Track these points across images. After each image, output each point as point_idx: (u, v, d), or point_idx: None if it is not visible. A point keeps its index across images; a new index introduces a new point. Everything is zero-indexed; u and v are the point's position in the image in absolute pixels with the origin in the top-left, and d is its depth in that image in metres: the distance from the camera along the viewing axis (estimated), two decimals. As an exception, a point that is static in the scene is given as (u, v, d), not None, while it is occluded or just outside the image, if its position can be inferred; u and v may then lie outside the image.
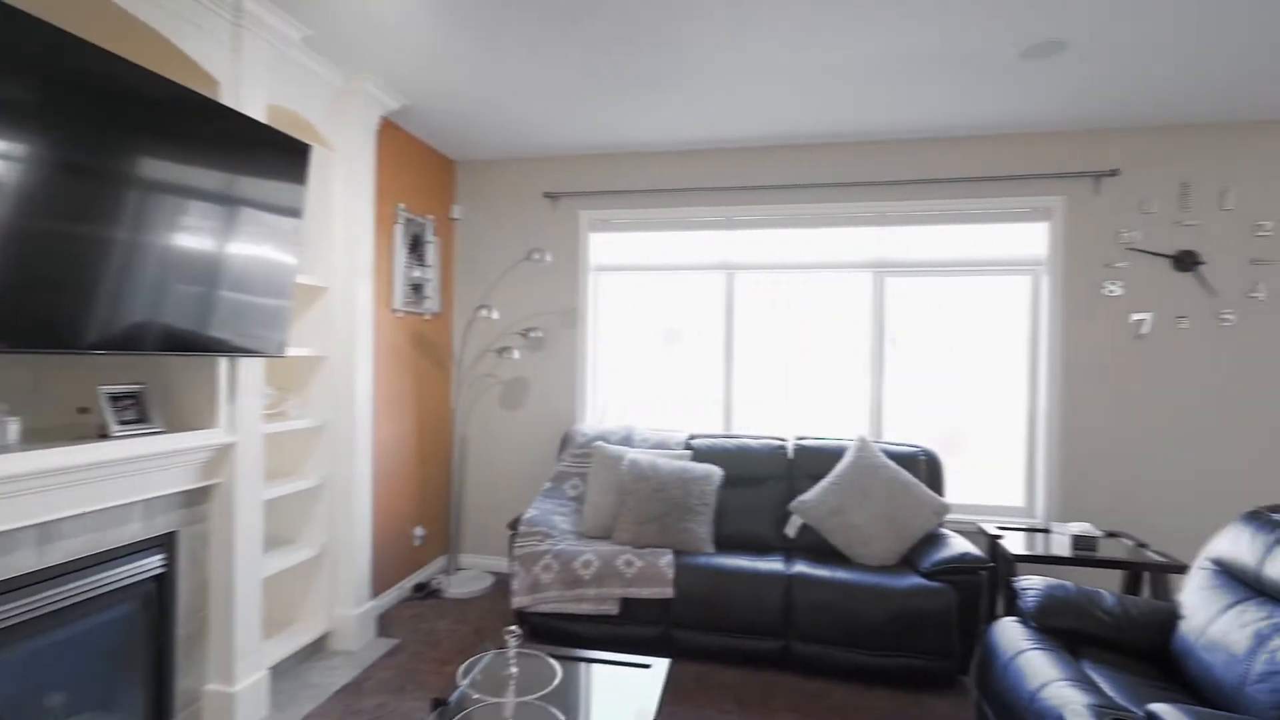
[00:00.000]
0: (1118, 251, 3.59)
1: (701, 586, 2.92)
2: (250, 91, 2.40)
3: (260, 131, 2.25)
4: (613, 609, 2.97)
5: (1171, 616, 2.22)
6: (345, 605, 3.07)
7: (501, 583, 3.93)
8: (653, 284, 4.14)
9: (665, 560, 2.99)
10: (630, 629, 2.99)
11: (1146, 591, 3.09)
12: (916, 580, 2.82)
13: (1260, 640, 1.84)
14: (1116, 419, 3.59)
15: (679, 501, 3.19)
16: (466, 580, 3.86)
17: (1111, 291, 3.59)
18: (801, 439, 3.60)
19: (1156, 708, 1.65)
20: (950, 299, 3.85)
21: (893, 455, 3.38)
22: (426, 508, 4.00)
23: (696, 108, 3.33)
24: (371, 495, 3.34)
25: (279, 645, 2.80)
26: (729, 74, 2.94)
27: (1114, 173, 3.56)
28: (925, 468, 3.38)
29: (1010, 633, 2.27)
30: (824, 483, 3.30)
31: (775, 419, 4.01)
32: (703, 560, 3.02)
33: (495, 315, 3.84)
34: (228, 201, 2.14)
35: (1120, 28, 2.50)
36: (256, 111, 2.42)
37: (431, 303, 3.94)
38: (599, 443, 3.56)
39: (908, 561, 3.08)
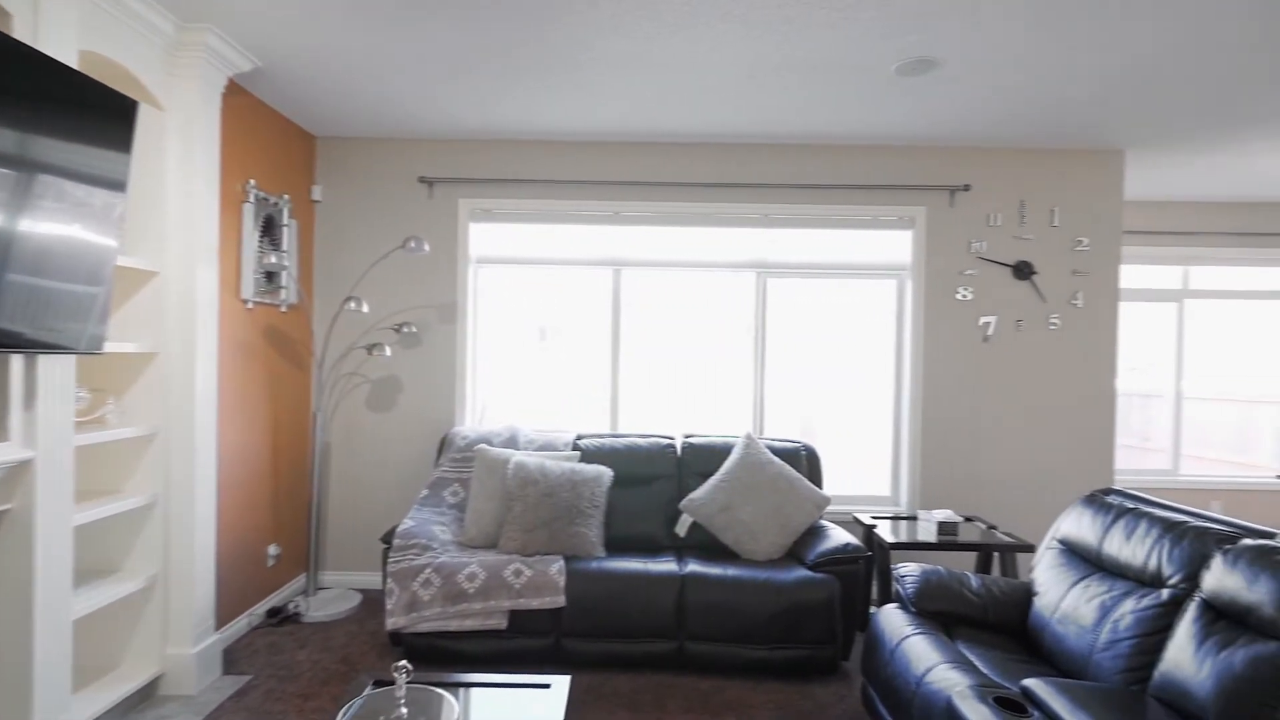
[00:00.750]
0: (969, 260, 3.93)
1: (594, 592, 2.82)
2: (55, 31, 1.97)
3: (66, 77, 1.85)
4: (500, 623, 2.79)
5: (1028, 594, 2.43)
6: (182, 642, 2.64)
7: (371, 601, 3.60)
8: (537, 279, 3.98)
9: (556, 567, 2.86)
10: (519, 642, 2.83)
11: (996, 570, 3.39)
12: (803, 573, 2.90)
13: (1104, 612, 2.05)
14: (967, 412, 3.93)
15: (569, 505, 3.07)
16: (329, 601, 3.49)
17: (964, 296, 3.92)
18: (690, 437, 3.60)
19: (1030, 683, 1.78)
20: (826, 300, 4.03)
21: (776, 451, 3.47)
22: (282, 523, 3.57)
23: (582, 97, 3.21)
24: (216, 512, 2.91)
25: (94, 698, 2.34)
26: (614, 65, 2.85)
27: (967, 188, 3.89)
28: (806, 462, 3.50)
29: (893, 619, 2.38)
30: (713, 480, 3.32)
31: (663, 417, 4.00)
32: (595, 565, 2.93)
33: (365, 308, 3.49)
34: (20, 166, 1.73)
35: (984, 52, 2.69)
36: (64, 57, 2.00)
37: (288, 293, 3.52)
38: (482, 446, 3.35)
39: (793, 554, 3.17)
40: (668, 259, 3.96)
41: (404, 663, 1.55)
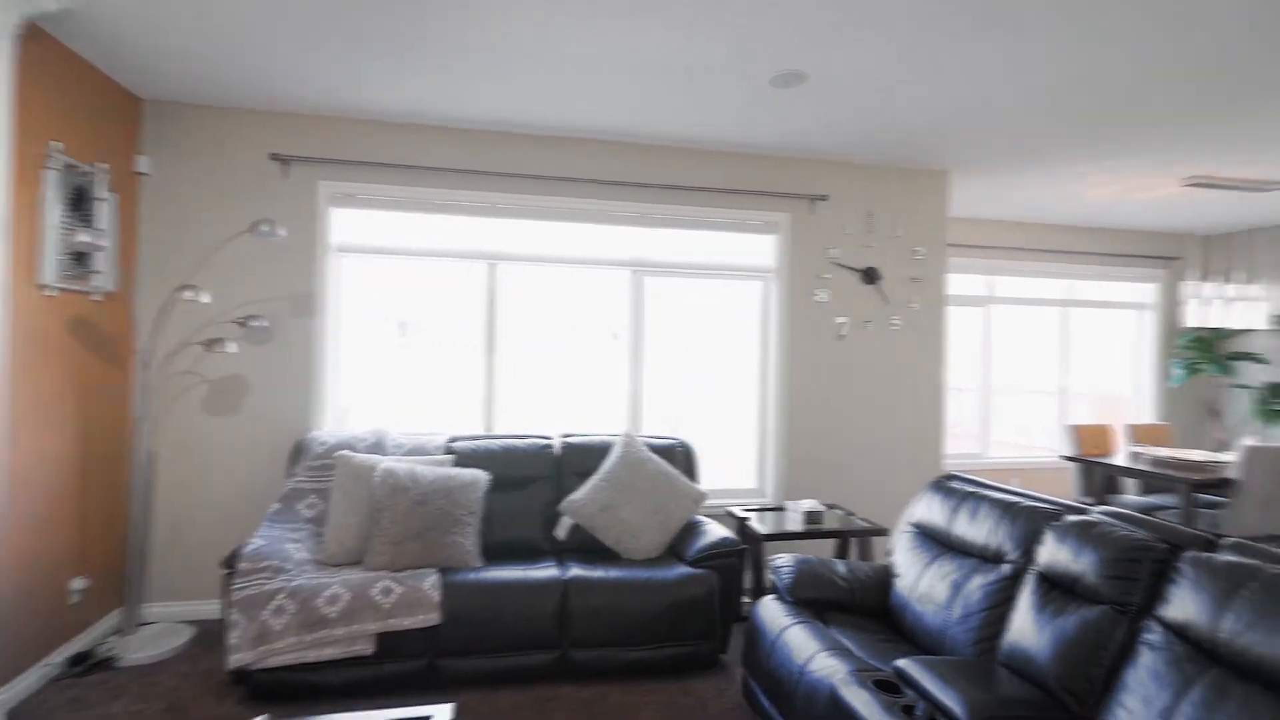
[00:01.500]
0: (825, 264, 4.22)
1: (472, 606, 2.68)
2: None
3: None
4: (366, 648, 2.57)
5: (888, 576, 2.64)
6: (-45, 703, 2.17)
7: (207, 634, 3.18)
8: (406, 270, 3.72)
9: (430, 581, 2.68)
10: (388, 668, 2.62)
11: (855, 555, 3.66)
12: (683, 570, 2.95)
13: (956, 589, 2.27)
14: (824, 406, 4.22)
15: (444, 513, 2.90)
16: (153, 639, 3.03)
17: (820, 299, 4.20)
18: (568, 437, 3.54)
19: (901, 664, 1.92)
20: (699, 299, 4.15)
21: (654, 448, 3.51)
22: (91, 550, 3.04)
23: (451, 79, 3.03)
24: None
25: None
26: (481, 48, 2.72)
27: (825, 197, 4.17)
28: (683, 458, 3.57)
29: (772, 611, 2.48)
30: (593, 480, 3.29)
31: (540, 417, 3.90)
32: (472, 576, 2.78)
33: (205, 299, 3.07)
34: None
35: (850, 73, 2.89)
36: None
37: (104, 279, 3.00)
38: (344, 452, 3.07)
39: (672, 551, 3.22)
40: (545, 254, 3.87)
41: (264, 718, 1.36)
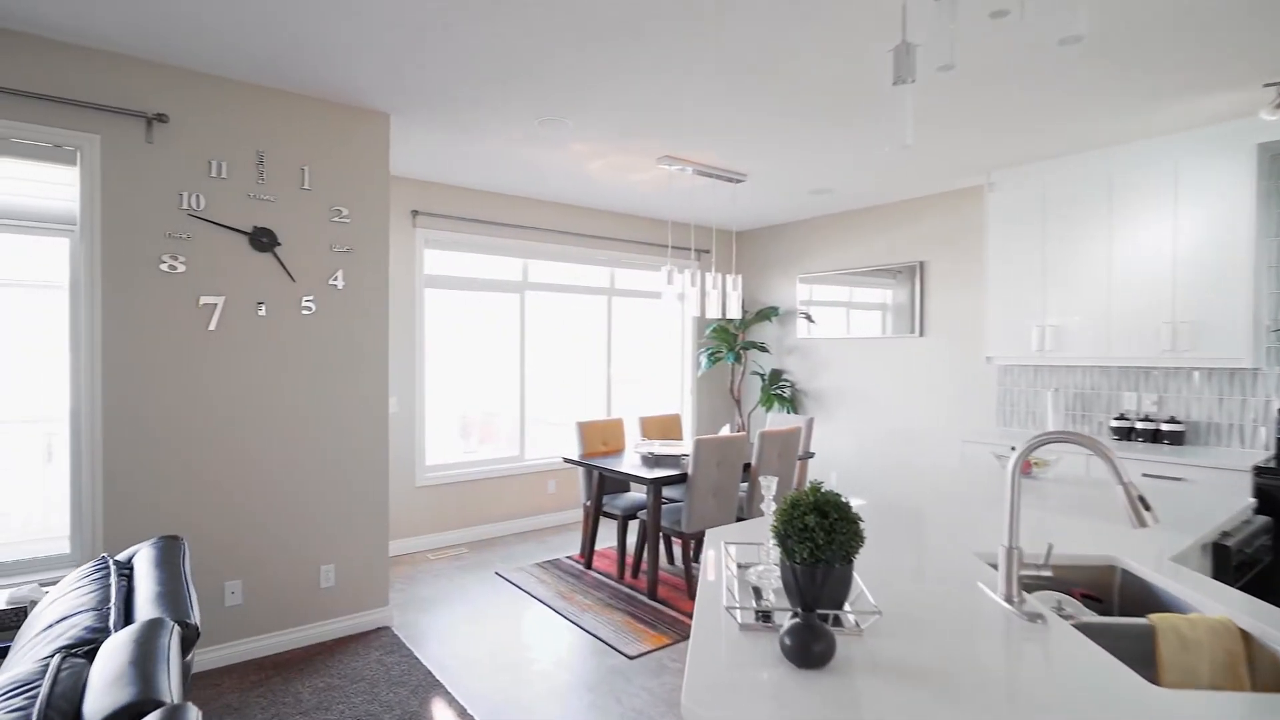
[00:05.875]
0: (180, 219, 2.92)
1: None
2: None
3: None
4: None
5: None
6: None
7: None
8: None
9: None
10: None
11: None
12: None
13: None
14: (178, 427, 2.92)
15: None
16: None
17: (172, 268, 2.90)
18: None
19: None
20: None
21: None
22: None
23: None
24: None
25: None
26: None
27: (163, 118, 2.86)
28: None
29: None
30: None
31: None
32: None
33: None
34: None
35: None
36: None
37: None
38: None
39: None
40: None
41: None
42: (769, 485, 1.64)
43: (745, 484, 4.28)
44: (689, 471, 3.76)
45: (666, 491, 4.44)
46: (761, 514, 3.76)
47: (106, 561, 1.66)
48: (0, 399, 2.71)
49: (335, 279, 3.31)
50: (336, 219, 3.31)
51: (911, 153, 4.06)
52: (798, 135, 3.72)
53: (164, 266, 2.90)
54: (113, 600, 1.45)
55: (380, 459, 3.46)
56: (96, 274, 2.76)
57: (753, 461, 4.03)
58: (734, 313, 4.64)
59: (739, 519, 4.09)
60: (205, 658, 2.97)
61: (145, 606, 1.40)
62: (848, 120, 3.47)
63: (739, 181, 4.64)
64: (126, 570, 1.64)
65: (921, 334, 5.13)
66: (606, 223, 5.74)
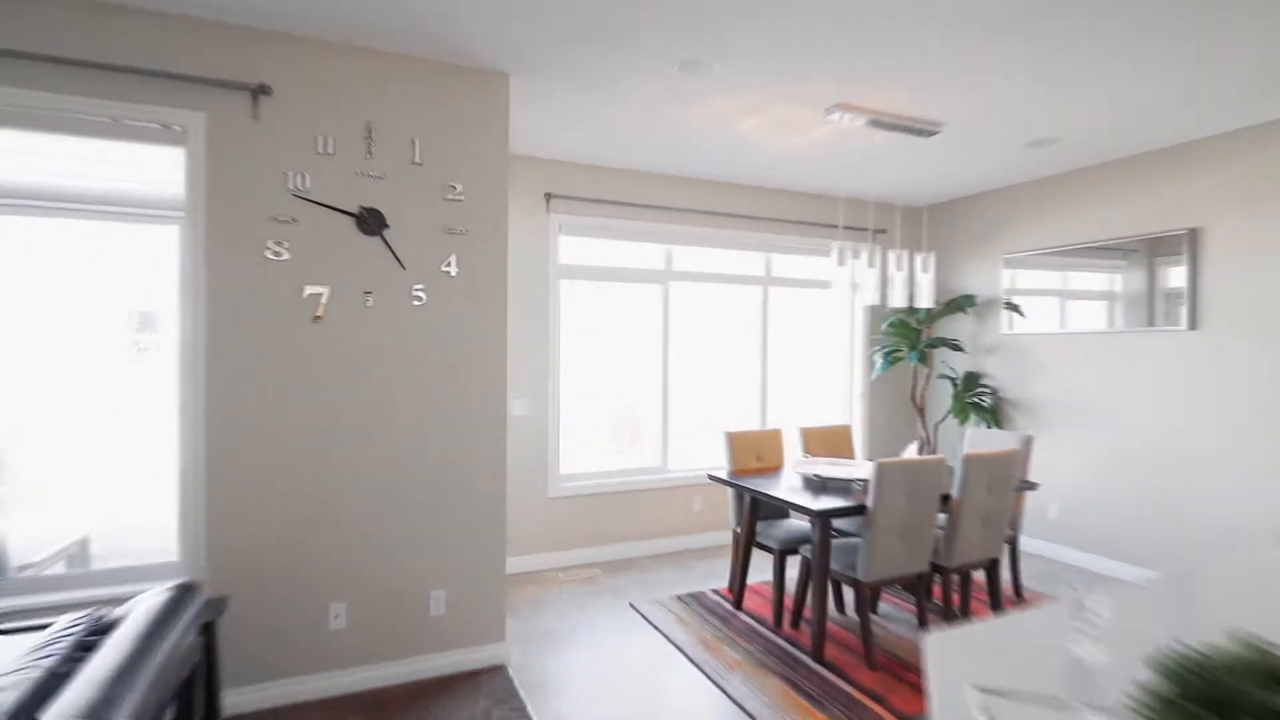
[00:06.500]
0: (284, 199, 2.64)
1: None
2: None
3: None
4: None
5: None
6: None
7: None
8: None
9: None
10: None
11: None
12: None
13: None
14: (286, 435, 2.64)
15: None
16: None
17: (277, 255, 2.63)
18: None
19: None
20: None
21: None
22: None
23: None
24: None
25: None
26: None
27: (267, 90, 2.59)
28: None
29: None
30: None
31: None
32: None
33: None
34: None
35: None
36: None
37: None
38: None
39: None
40: None
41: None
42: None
43: (944, 516, 3.33)
44: (868, 504, 2.92)
45: (837, 523, 3.61)
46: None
47: (88, 619, 1.25)
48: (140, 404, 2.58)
49: (448, 265, 2.91)
50: (450, 195, 2.91)
51: (1207, 67, 2.88)
52: (1034, 50, 2.74)
53: (268, 253, 2.63)
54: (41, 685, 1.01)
55: (498, 469, 3.01)
56: (200, 263, 2.54)
57: (954, 493, 3.09)
58: (925, 301, 3.69)
59: (934, 568, 3.17)
60: (304, 687, 2.67)
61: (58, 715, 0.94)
62: (1146, 21, 2.44)
63: (932, 134, 3.67)
64: (105, 629, 1.22)
65: (1192, 326, 3.80)
66: (762, 200, 4.97)
